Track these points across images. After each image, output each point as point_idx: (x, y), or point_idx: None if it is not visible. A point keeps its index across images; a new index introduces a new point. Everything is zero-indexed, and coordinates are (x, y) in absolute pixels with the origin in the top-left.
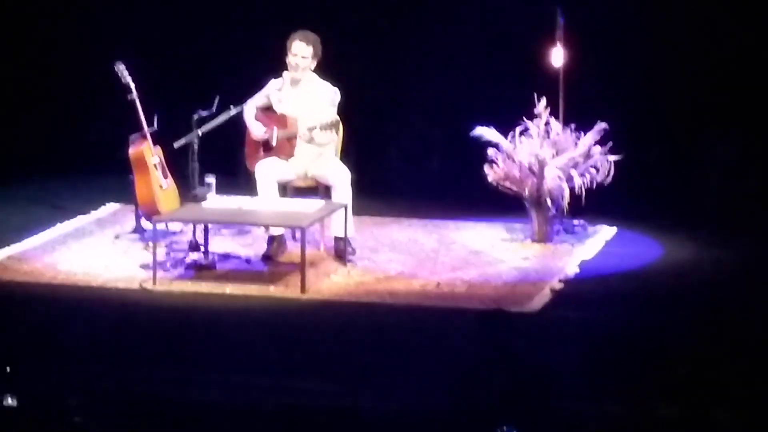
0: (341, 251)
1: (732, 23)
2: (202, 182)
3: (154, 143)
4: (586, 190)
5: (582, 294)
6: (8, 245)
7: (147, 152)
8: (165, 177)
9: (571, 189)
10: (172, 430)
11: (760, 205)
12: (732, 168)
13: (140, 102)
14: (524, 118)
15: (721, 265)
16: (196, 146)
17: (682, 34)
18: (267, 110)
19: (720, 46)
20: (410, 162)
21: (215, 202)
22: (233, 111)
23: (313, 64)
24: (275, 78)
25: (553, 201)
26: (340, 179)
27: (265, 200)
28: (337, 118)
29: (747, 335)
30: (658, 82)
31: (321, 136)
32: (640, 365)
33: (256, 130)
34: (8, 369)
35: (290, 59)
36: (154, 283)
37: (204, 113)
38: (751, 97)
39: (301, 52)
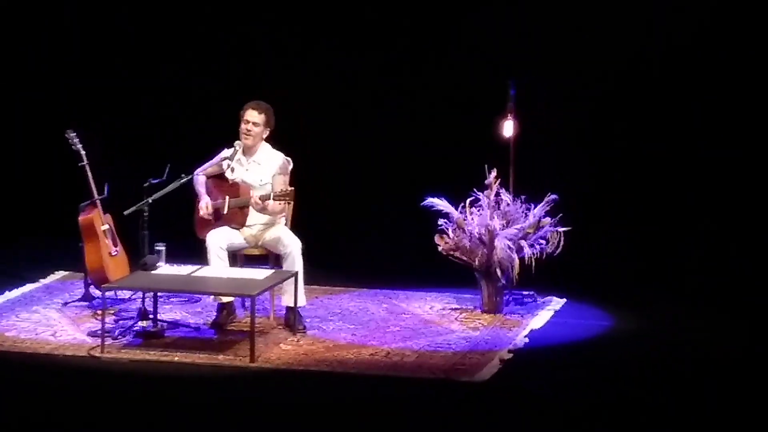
0: (291, 321)
1: (679, 91)
2: (152, 250)
3: (104, 211)
4: (535, 261)
5: (531, 364)
6: None
7: (97, 220)
8: (115, 245)
9: (521, 260)
10: None
11: (708, 276)
12: (680, 240)
13: (91, 170)
14: (475, 189)
15: (669, 335)
16: (146, 214)
17: (634, 105)
18: (218, 178)
19: (670, 114)
20: (361, 231)
21: (165, 270)
22: (184, 179)
23: (266, 133)
24: (227, 147)
25: (502, 271)
26: (291, 248)
27: (214, 268)
28: (292, 188)
29: (696, 406)
30: (607, 155)
31: (275, 206)
32: None
33: (205, 205)
34: None
35: (242, 127)
36: (103, 350)
37: (154, 181)
38: (702, 166)
39: (254, 119)
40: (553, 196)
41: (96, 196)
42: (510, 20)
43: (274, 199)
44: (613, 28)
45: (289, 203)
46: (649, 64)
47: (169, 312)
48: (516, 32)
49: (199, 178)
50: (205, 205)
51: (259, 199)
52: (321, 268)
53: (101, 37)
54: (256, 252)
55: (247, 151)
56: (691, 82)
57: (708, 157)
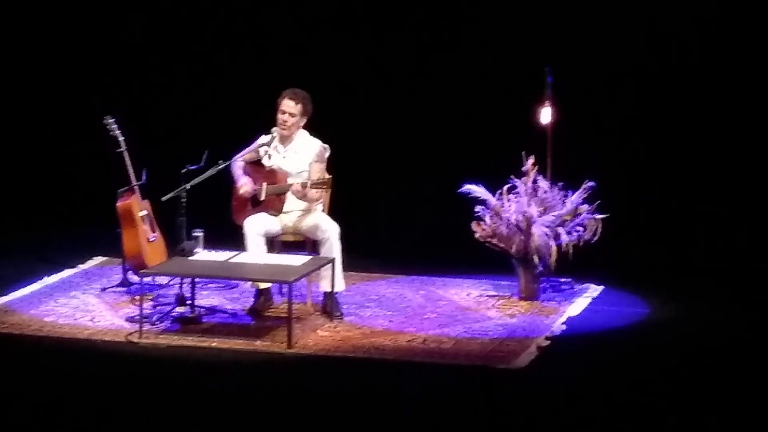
0: (329, 307)
1: (716, 80)
2: (189, 236)
3: (143, 197)
4: (573, 248)
5: (568, 351)
6: None
7: (135, 206)
8: (153, 230)
9: (558, 247)
10: None
11: (748, 263)
12: (718, 227)
13: (129, 155)
14: (512, 176)
15: (707, 323)
16: (184, 200)
17: (671, 93)
18: (256, 164)
19: (707, 103)
20: (398, 218)
21: (202, 256)
22: (222, 165)
23: (303, 121)
24: (265, 133)
25: (540, 258)
26: (329, 234)
27: (252, 255)
28: (329, 176)
29: (732, 392)
30: (646, 141)
31: (312, 194)
32: (626, 423)
33: (245, 185)
34: None
35: (279, 117)
36: (141, 336)
37: (192, 167)
38: (738, 155)
39: (290, 109)
40: (591, 183)
41: (134, 182)
42: (548, 6)
43: (311, 187)
44: (652, 14)
45: (327, 191)
46: (689, 49)
47: (206, 298)
48: (554, 18)
49: (237, 163)
50: (246, 182)
51: (300, 186)
52: (358, 254)
53: (139, 23)
54: (293, 238)
55: (285, 139)
56: (732, 68)
57: (751, 143)
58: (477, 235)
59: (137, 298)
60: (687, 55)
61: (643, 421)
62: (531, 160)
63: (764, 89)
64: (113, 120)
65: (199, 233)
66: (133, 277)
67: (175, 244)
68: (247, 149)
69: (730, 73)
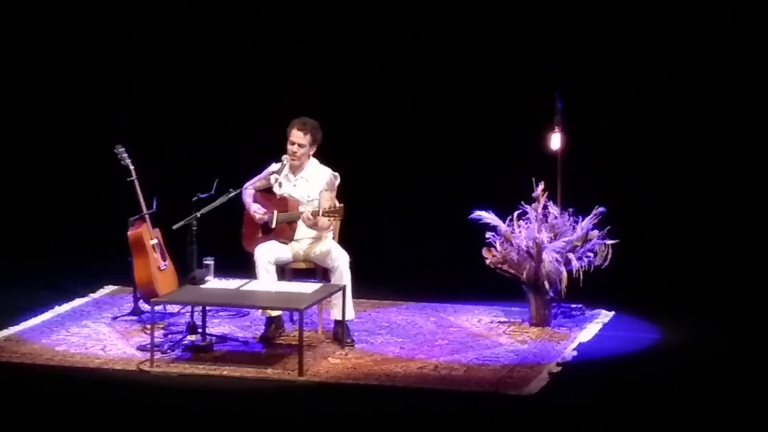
0: (339, 334)
1: (725, 109)
2: (200, 264)
3: (153, 225)
4: (583, 273)
5: (580, 377)
6: (5, 327)
7: (146, 234)
8: (164, 259)
9: (569, 272)
10: None
11: (758, 289)
12: (729, 252)
13: (139, 184)
14: (522, 202)
15: (718, 348)
16: (194, 228)
17: (682, 119)
18: (266, 192)
19: (717, 130)
20: (409, 245)
21: (213, 284)
22: (232, 193)
23: (312, 150)
24: (275, 161)
25: (550, 284)
26: (339, 262)
27: (263, 282)
28: (341, 205)
29: (744, 418)
30: (655, 167)
31: (323, 222)
32: None
33: (256, 212)
34: None
35: (289, 147)
36: (152, 365)
37: (203, 195)
38: (750, 179)
39: (299, 140)
40: (601, 209)
41: (145, 210)
42: (558, 31)
43: (323, 215)
44: (660, 39)
45: (338, 220)
46: (699, 77)
47: (217, 326)
48: (564, 43)
49: (248, 191)
50: (258, 209)
51: (312, 214)
52: (369, 282)
53: (150, 52)
54: (303, 266)
55: (295, 168)
56: (744, 92)
57: (763, 167)
58: (488, 262)
59: (148, 326)
60: (700, 81)
61: None
62: (541, 186)
63: None
64: (123, 149)
65: (209, 261)
66: (144, 306)
67: (186, 272)
68: (257, 177)
69: (744, 99)
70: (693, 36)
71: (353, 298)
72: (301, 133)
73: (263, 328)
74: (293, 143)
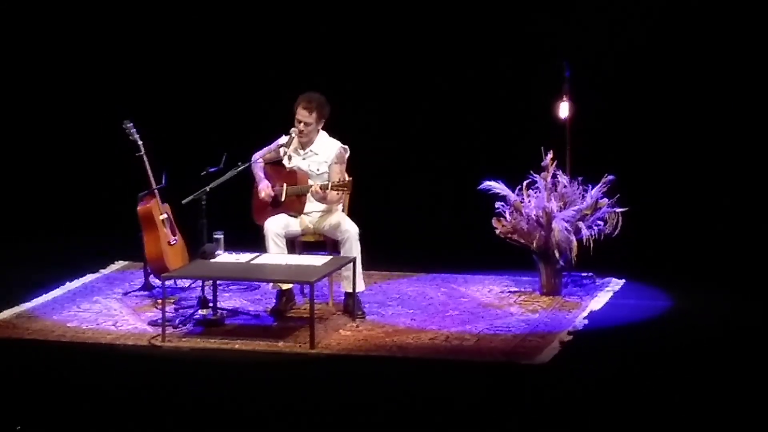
0: (350, 306)
1: (734, 73)
2: (210, 238)
3: (163, 200)
4: (593, 242)
5: (591, 346)
6: (17, 303)
7: (155, 209)
8: (173, 234)
9: (579, 241)
10: None
11: None
12: (740, 218)
13: (148, 159)
14: (531, 172)
15: (729, 315)
16: (204, 203)
17: (688, 85)
18: (276, 165)
19: (725, 97)
20: (418, 216)
21: (224, 258)
22: (241, 167)
23: (320, 125)
24: (284, 134)
25: (560, 253)
26: (349, 234)
27: (273, 256)
28: (350, 178)
29: (755, 384)
30: (664, 134)
31: (332, 195)
32: (650, 417)
33: (265, 189)
34: (19, 428)
35: (296, 125)
36: (164, 339)
37: (212, 170)
38: (759, 147)
39: (305, 119)
40: (610, 177)
41: (154, 185)
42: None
43: (332, 189)
44: (669, 3)
45: (347, 193)
46: (710, 38)
47: (228, 300)
48: (570, 10)
49: (258, 164)
50: (265, 187)
51: (320, 188)
52: (379, 254)
53: (157, 26)
54: (313, 239)
55: (304, 142)
56: (755, 58)
57: None
58: (497, 232)
59: (159, 301)
60: (708, 45)
61: (665, 415)
62: (550, 155)
63: None
64: (132, 124)
65: (219, 235)
66: (155, 281)
67: (197, 246)
68: (266, 148)
69: (752, 62)
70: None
71: (363, 270)
72: (306, 112)
73: (274, 301)
74: (300, 122)
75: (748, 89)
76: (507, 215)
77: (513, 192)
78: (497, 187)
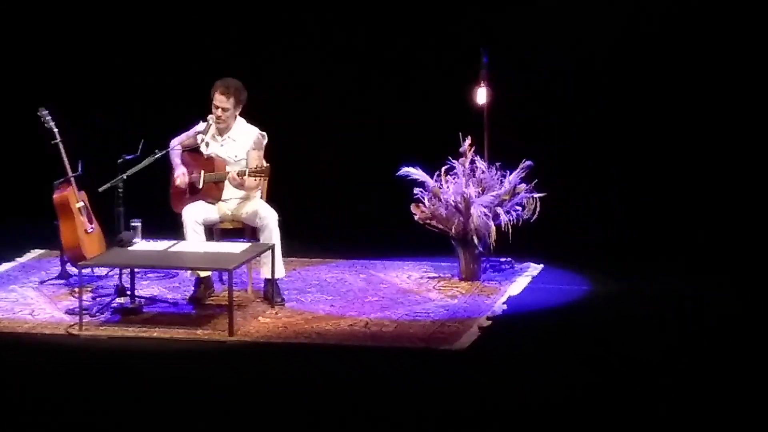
0: (270, 293)
1: (647, 49)
2: (127, 226)
3: (79, 188)
4: (512, 227)
5: (510, 331)
6: None
7: (72, 197)
8: (90, 222)
9: (498, 227)
10: None
11: (684, 238)
12: (655, 203)
13: (64, 147)
14: (450, 158)
15: (646, 299)
16: (121, 190)
17: (607, 70)
18: (194, 152)
19: (643, 81)
20: (337, 202)
21: (141, 245)
22: (158, 154)
23: (238, 111)
24: (202, 120)
25: (479, 239)
26: (267, 221)
27: (191, 243)
28: (267, 165)
29: (673, 369)
30: (581, 119)
31: (250, 182)
32: (568, 400)
33: (181, 176)
34: None
35: (213, 111)
36: (81, 328)
37: (129, 157)
38: (675, 132)
39: (223, 104)
40: (528, 163)
41: (70, 173)
42: None
43: (249, 175)
44: None
45: (265, 179)
46: (630, 24)
47: (146, 288)
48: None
49: (175, 151)
50: (181, 174)
51: (237, 175)
52: (298, 240)
53: (73, 12)
54: (231, 225)
55: (222, 129)
56: (667, 48)
57: (682, 117)
58: (416, 218)
59: (76, 290)
60: (627, 31)
61: (585, 399)
62: (468, 141)
63: (709, 59)
64: (47, 111)
65: (137, 223)
66: (72, 269)
67: (114, 234)
68: (184, 134)
69: (671, 50)
70: None
71: (283, 256)
72: (223, 97)
73: (192, 289)
74: (217, 107)
75: (665, 66)
76: (426, 201)
77: (431, 178)
78: (416, 173)
